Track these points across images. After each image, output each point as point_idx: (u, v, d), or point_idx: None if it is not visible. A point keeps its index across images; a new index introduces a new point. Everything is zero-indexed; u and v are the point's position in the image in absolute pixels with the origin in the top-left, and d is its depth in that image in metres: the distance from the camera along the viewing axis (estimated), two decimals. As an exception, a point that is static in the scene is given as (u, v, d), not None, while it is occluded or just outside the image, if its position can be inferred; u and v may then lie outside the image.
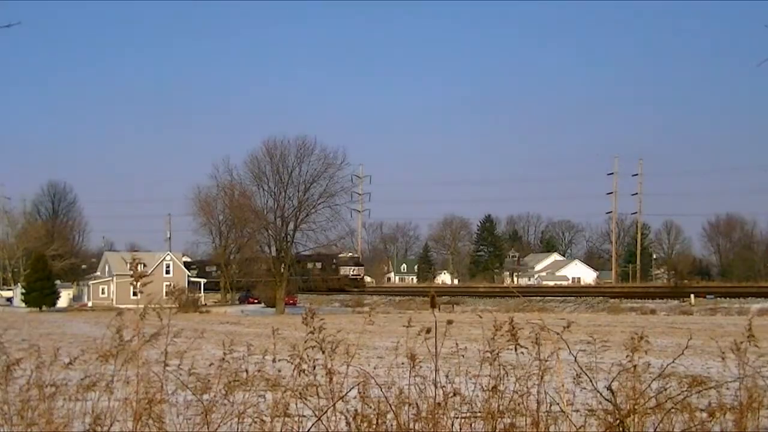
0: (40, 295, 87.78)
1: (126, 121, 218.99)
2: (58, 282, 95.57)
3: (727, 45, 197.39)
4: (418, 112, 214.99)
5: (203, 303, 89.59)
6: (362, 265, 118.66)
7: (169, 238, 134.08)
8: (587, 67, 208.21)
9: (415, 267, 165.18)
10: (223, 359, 7.38)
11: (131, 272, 7.49)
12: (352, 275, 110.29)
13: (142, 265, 7.86)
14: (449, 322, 7.32)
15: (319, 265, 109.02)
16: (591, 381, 7.13)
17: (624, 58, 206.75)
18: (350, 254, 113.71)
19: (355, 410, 7.13)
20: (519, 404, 7.23)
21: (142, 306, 7.29)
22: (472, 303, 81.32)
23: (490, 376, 7.37)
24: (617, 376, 7.22)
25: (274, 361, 7.47)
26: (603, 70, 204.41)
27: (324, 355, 7.15)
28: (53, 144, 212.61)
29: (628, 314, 66.02)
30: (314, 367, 7.18)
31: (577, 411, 7.60)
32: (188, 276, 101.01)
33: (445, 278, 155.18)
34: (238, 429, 7.11)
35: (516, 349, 7.03)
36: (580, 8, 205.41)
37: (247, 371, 7.47)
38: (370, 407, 7.14)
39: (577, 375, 7.34)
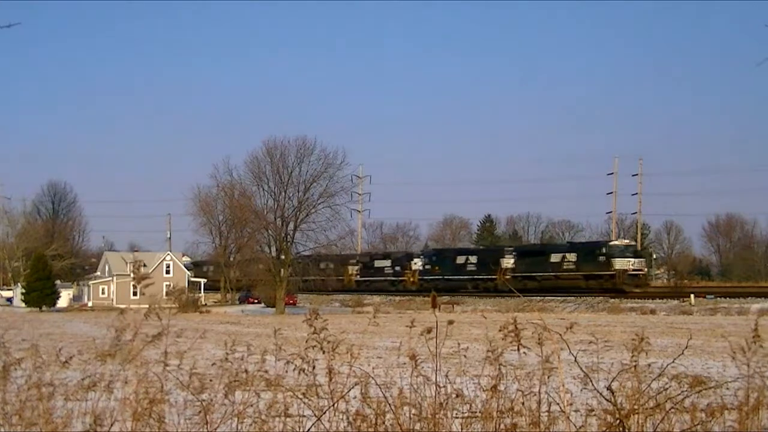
0: (40, 295, 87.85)
1: (126, 120, 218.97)
2: (58, 282, 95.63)
3: (727, 45, 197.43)
4: (418, 112, 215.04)
5: (203, 303, 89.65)
6: (642, 257, 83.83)
7: (169, 238, 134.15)
8: (587, 67, 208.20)
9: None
10: (226, 359, 7.38)
11: (133, 274, 7.50)
12: (633, 270, 77.31)
13: (143, 265, 7.86)
14: (450, 322, 7.32)
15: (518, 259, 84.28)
16: (591, 381, 7.13)
17: (624, 58, 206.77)
18: (627, 241, 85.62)
19: (356, 411, 7.13)
20: (519, 404, 7.23)
21: (143, 306, 7.29)
22: (472, 303, 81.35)
23: (490, 376, 7.37)
24: (617, 376, 7.22)
25: (277, 360, 7.47)
26: (603, 70, 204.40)
27: (324, 355, 7.15)
28: (53, 144, 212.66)
29: (628, 314, 66.05)
30: (314, 368, 7.19)
31: (577, 411, 7.60)
32: (188, 276, 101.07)
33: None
34: (237, 429, 7.10)
35: (519, 349, 7.02)
36: (581, 8, 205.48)
37: (246, 371, 7.47)
38: (370, 407, 7.14)
39: (577, 375, 7.34)
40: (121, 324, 7.00)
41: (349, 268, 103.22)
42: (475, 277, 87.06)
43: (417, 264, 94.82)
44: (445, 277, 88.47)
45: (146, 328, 7.16)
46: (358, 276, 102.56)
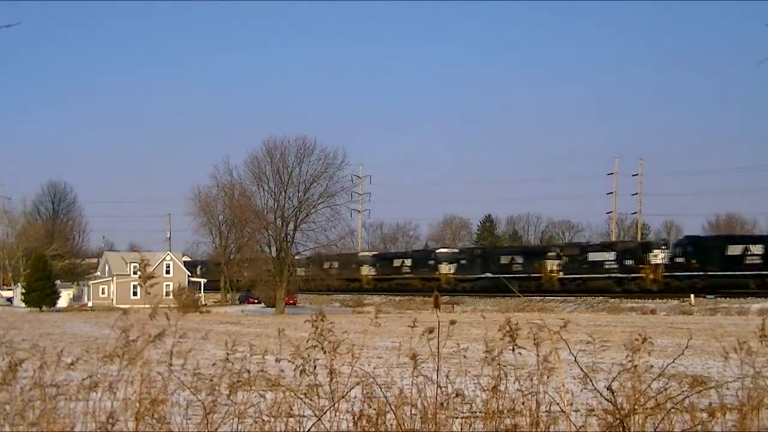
0: (40, 295, 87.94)
1: (126, 120, 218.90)
2: (58, 282, 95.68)
3: (727, 45, 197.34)
4: (418, 112, 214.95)
5: (203, 303, 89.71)
6: None
7: (169, 238, 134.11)
8: (587, 67, 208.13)
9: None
10: (227, 359, 7.40)
11: (139, 273, 7.51)
12: None
13: (148, 264, 7.90)
14: (452, 322, 7.34)
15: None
16: (591, 381, 7.15)
17: (624, 58, 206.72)
18: None
19: (360, 410, 7.15)
20: (520, 404, 7.25)
21: (145, 305, 7.30)
22: (472, 303, 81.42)
23: (490, 376, 7.39)
24: (617, 376, 7.23)
25: (277, 361, 7.49)
26: (603, 70, 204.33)
27: (325, 355, 7.17)
28: (53, 144, 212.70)
29: (628, 314, 66.12)
30: (315, 368, 7.20)
31: (577, 411, 7.61)
32: (188, 276, 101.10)
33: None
34: (238, 429, 7.12)
35: (514, 350, 7.05)
36: (581, 8, 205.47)
37: (248, 371, 7.49)
38: (371, 407, 7.16)
39: (577, 375, 7.36)
40: (125, 324, 7.02)
41: (548, 263, 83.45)
42: (763, 273, 67.78)
43: (659, 256, 75.52)
44: (709, 272, 70.50)
45: (149, 328, 7.18)
46: (562, 273, 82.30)
